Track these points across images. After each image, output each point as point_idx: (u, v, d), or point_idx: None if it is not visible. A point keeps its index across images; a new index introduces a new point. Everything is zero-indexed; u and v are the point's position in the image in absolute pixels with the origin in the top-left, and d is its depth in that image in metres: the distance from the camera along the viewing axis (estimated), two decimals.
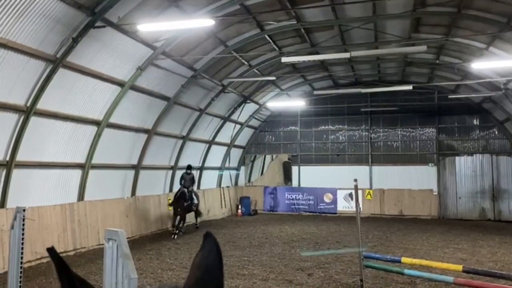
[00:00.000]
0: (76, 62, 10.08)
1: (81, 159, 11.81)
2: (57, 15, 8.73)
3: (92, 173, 12.15)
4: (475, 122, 20.57)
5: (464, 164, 20.33)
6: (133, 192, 14.30)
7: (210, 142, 18.87)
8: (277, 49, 14.92)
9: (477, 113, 20.35)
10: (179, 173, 16.79)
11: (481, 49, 13.51)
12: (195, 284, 1.03)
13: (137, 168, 14.28)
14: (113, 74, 11.37)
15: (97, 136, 11.91)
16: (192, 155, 17.70)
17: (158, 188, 15.98)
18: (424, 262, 7.63)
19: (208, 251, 1.10)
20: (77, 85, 10.64)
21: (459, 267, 6.84)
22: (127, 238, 12.78)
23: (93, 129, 11.83)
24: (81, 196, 11.92)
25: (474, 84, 17.09)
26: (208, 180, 19.70)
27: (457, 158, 20.55)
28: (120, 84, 11.82)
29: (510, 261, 10.28)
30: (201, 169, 18.79)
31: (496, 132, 20.15)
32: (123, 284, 2.59)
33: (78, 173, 11.86)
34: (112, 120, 12.24)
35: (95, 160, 12.09)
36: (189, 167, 15.00)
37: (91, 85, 11.01)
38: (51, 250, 0.97)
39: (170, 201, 14.82)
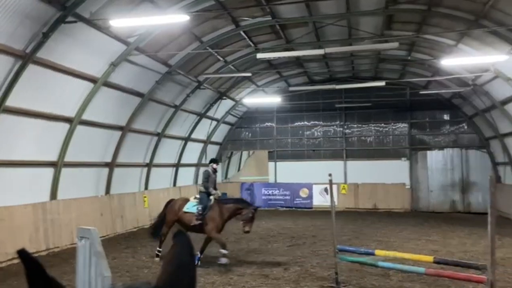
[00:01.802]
0: (47, 58, 9.83)
1: (53, 157, 11.54)
2: (26, 9, 8.49)
3: (65, 171, 11.90)
4: (446, 117, 21.18)
5: (435, 158, 20.92)
6: (108, 190, 14.09)
7: (186, 139, 18.75)
8: (252, 45, 14.93)
9: (447, 109, 20.94)
10: (155, 170, 16.67)
11: (451, 46, 13.87)
12: (168, 280, 1.04)
13: (111, 165, 14.07)
14: (85, 70, 11.15)
15: (70, 133, 11.66)
16: (167, 152, 17.57)
17: (133, 186, 15.79)
18: (397, 254, 7.81)
19: (180, 248, 1.11)
20: (48, 81, 10.38)
21: (430, 258, 7.05)
22: (102, 236, 12.58)
23: (65, 126, 11.58)
24: (53, 195, 11.67)
25: (444, 80, 17.55)
26: (185, 177, 19.58)
27: (428, 152, 21.13)
28: (93, 80, 11.60)
29: (479, 251, 10.65)
30: (177, 166, 18.66)
31: (466, 127, 20.79)
32: (96, 282, 2.56)
33: (50, 171, 11.59)
34: (85, 117, 12.01)
35: (67, 158, 11.84)
36: (215, 161, 10.93)
37: (63, 81, 10.76)
38: (21, 253, 0.92)
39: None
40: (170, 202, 10.45)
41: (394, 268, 7.56)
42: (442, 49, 14.46)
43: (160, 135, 16.40)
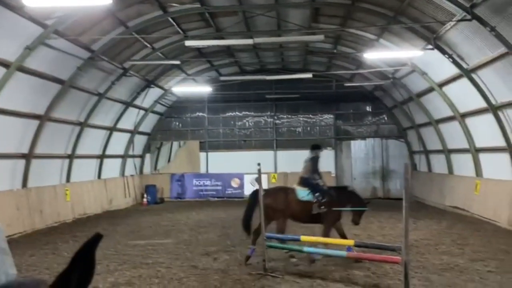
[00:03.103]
0: None
1: None
2: None
3: None
4: (368, 109, 22.42)
5: (358, 148, 22.13)
6: (24, 183, 13.09)
7: (112, 129, 17.95)
8: (181, 32, 14.59)
9: (369, 101, 22.14)
10: (77, 162, 15.79)
11: (373, 41, 14.60)
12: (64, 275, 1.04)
13: (28, 157, 13.08)
14: None
15: None
16: (91, 143, 16.71)
17: (53, 178, 14.83)
18: (321, 239, 8.15)
19: (84, 246, 1.07)
20: None
21: (351, 242, 7.43)
22: (18, 233, 11.74)
23: None
24: None
25: (367, 73, 18.48)
26: (110, 169, 18.78)
27: (352, 142, 22.28)
28: (5, 65, 10.65)
29: (396, 234, 11.39)
30: (102, 157, 17.84)
31: (386, 118, 22.17)
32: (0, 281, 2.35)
33: None
34: None
35: None
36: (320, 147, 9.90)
37: None
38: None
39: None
40: (258, 193, 8.69)
41: (318, 252, 7.86)
42: (365, 43, 15.16)
43: (82, 125, 15.53)
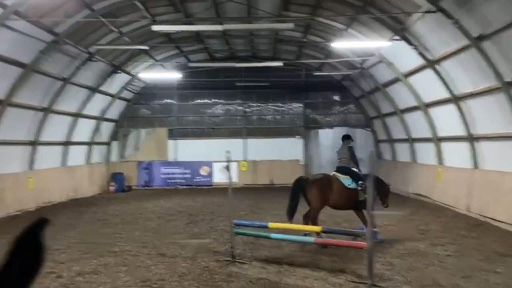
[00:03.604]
0: None
1: None
2: None
3: None
4: (336, 98, 22.76)
5: (326, 136, 22.51)
6: None
7: (77, 115, 17.45)
8: (149, 17, 14.26)
9: (338, 90, 22.45)
10: (41, 149, 15.29)
11: (342, 30, 14.74)
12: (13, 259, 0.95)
13: None
14: None
15: None
16: (56, 129, 16.18)
17: (15, 165, 14.30)
18: (288, 225, 8.26)
19: (29, 232, 1.01)
20: None
21: (319, 228, 7.57)
22: None
23: None
24: None
25: (336, 62, 18.68)
26: (76, 156, 18.30)
27: (320, 131, 22.63)
28: None
29: (358, 220, 11.68)
30: (67, 144, 17.34)
31: (353, 107, 22.56)
32: None
33: None
34: None
35: None
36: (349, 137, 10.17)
37: None
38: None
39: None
40: (302, 181, 9.25)
41: (286, 239, 7.98)
42: (334, 33, 15.30)
43: (46, 111, 15.01)
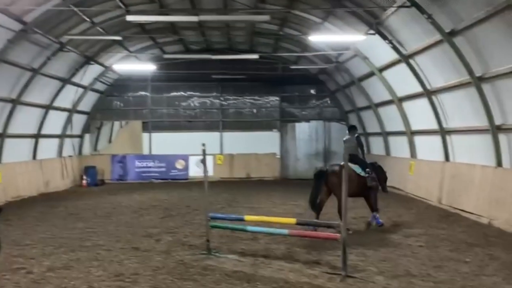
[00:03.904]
0: None
1: None
2: None
3: None
4: (312, 91, 22.93)
5: (302, 130, 22.71)
6: None
7: (48, 107, 16.95)
8: (123, 7, 13.88)
9: (314, 84, 22.60)
10: (9, 142, 14.82)
11: (318, 24, 14.78)
12: None
13: None
14: None
15: None
16: (25, 122, 15.69)
17: None
18: (264, 218, 8.27)
19: None
20: None
21: (293, 221, 7.59)
22: None
23: None
24: None
25: (312, 56, 18.75)
26: (47, 149, 17.81)
27: (296, 124, 22.78)
28: None
29: (336, 212, 11.80)
30: (37, 137, 16.84)
31: (329, 101, 22.79)
32: None
33: None
34: None
35: None
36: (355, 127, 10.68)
37: None
38: None
39: None
40: (323, 172, 9.65)
41: (261, 231, 7.98)
42: (310, 26, 15.32)
43: (15, 102, 14.50)
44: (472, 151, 11.51)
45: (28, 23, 12.39)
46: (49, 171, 17.67)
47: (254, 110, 22.80)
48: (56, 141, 18.75)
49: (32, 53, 13.99)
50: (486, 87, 10.03)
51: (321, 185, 9.47)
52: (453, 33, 10.03)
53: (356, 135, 10.16)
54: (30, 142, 16.59)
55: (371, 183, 9.55)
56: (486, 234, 9.07)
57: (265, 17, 11.28)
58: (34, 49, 13.93)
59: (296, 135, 22.66)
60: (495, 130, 10.06)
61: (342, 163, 9.19)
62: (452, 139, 12.53)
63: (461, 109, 11.61)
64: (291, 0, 13.67)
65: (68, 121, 19.15)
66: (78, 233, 9.56)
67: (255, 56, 17.50)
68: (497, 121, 10.02)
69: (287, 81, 22.37)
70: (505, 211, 9.53)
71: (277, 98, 22.73)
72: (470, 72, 10.15)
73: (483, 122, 10.46)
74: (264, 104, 22.82)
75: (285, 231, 7.31)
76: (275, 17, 15.01)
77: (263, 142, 22.20)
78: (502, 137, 10.03)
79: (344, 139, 10.28)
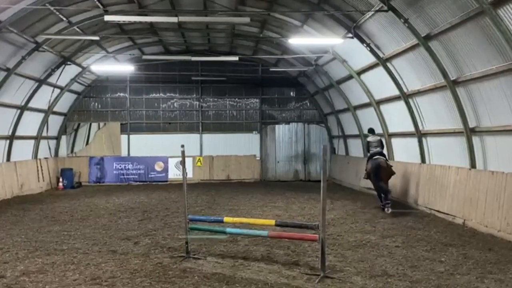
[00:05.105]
0: None
1: None
2: None
3: None
4: (292, 94, 23.04)
5: (282, 132, 22.83)
6: None
7: (23, 108, 16.56)
8: (101, 6, 13.71)
9: (293, 86, 22.74)
10: None
11: (297, 27, 14.90)
12: None
13: None
14: None
15: None
16: None
17: None
18: (243, 220, 8.27)
19: None
20: None
21: (273, 222, 7.61)
22: None
23: None
24: None
25: (291, 59, 18.89)
26: (22, 151, 17.39)
27: (276, 126, 22.86)
28: None
29: (315, 214, 11.93)
30: (11, 138, 16.43)
31: (308, 104, 22.95)
32: None
33: None
34: None
35: None
36: (371, 131, 13.34)
37: None
38: None
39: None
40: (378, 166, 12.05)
41: (240, 233, 7.99)
42: (290, 29, 15.43)
43: None
44: (447, 153, 11.78)
45: (3, 22, 12.08)
46: (24, 173, 17.25)
47: (234, 112, 22.79)
48: (31, 142, 18.34)
49: (7, 53, 13.66)
50: (460, 91, 10.29)
51: (380, 172, 11.98)
52: (428, 37, 10.26)
53: (379, 138, 13.03)
54: (4, 143, 16.17)
55: (392, 171, 12.42)
56: (460, 234, 9.30)
57: (245, 19, 11.31)
58: (9, 48, 13.60)
59: (276, 137, 22.76)
60: (469, 132, 10.32)
61: (376, 157, 12.27)
62: (428, 141, 12.79)
63: (437, 112, 11.87)
64: (271, 2, 13.74)
65: (44, 122, 18.76)
66: (53, 237, 9.36)
67: (235, 58, 17.51)
68: (471, 123, 10.29)
69: (267, 83, 22.46)
70: (479, 212, 9.79)
71: (257, 100, 22.78)
72: (445, 75, 10.40)
73: (457, 125, 10.72)
74: (244, 106, 22.83)
75: (265, 232, 7.33)
76: (255, 19, 15.07)
77: (243, 144, 22.25)
78: (475, 140, 10.30)
79: (369, 139, 12.95)
